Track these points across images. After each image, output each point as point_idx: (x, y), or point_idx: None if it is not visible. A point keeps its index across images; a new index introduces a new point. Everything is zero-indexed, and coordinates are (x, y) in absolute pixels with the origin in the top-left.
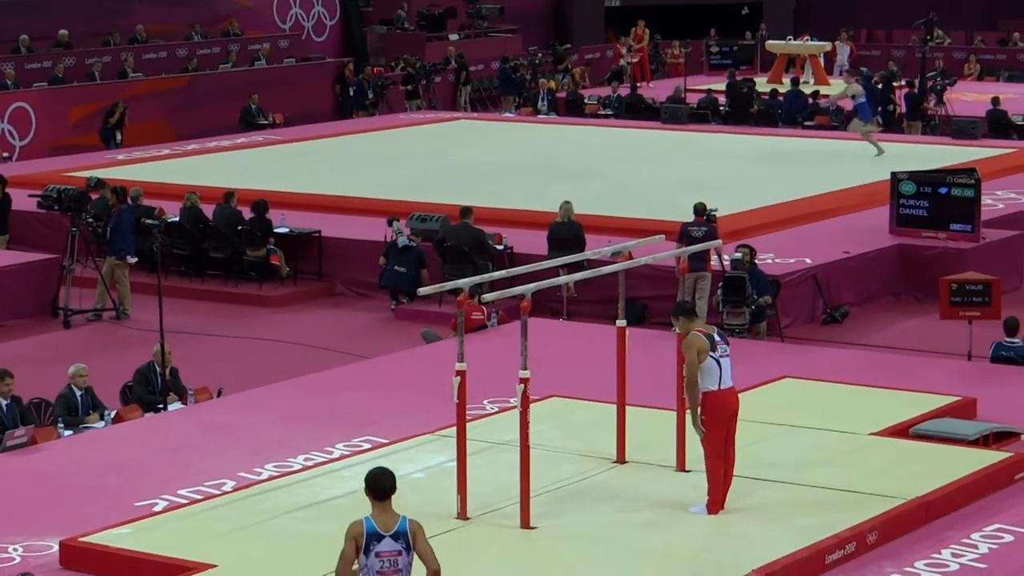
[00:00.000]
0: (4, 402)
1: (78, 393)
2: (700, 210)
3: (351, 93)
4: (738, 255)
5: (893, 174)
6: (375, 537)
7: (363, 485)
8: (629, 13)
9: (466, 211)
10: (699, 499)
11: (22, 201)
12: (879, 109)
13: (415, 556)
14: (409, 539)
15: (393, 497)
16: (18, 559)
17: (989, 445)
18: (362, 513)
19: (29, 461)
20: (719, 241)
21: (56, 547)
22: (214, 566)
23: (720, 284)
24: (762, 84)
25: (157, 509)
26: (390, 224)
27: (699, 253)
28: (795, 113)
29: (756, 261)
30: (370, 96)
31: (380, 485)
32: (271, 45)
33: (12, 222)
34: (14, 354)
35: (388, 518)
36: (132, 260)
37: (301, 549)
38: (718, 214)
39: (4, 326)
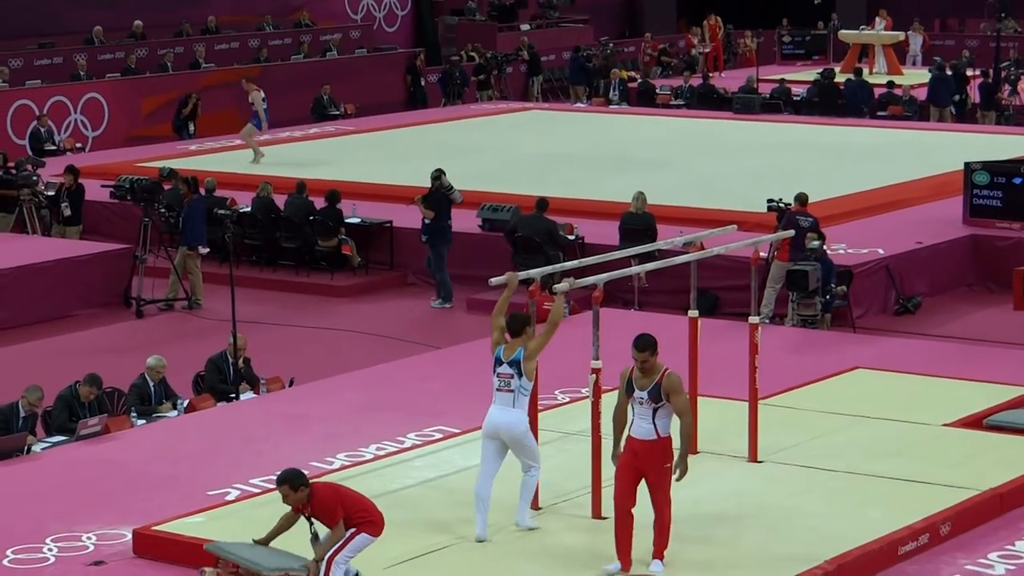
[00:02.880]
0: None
1: (151, 383)
2: (804, 200)
3: (437, 82)
4: (815, 243)
5: (966, 164)
6: (497, 362)
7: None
8: (701, 1)
9: (542, 203)
10: (769, 489)
11: (95, 191)
12: (952, 98)
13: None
14: (521, 366)
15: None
16: (92, 547)
17: None
18: (431, 502)
19: (103, 450)
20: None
21: (129, 536)
22: None
23: (784, 276)
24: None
25: (230, 498)
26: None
27: (801, 242)
28: (859, 103)
29: (827, 250)
30: (458, 82)
31: (511, 326)
32: (342, 36)
33: (85, 212)
34: (87, 343)
35: (511, 350)
36: (204, 250)
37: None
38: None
39: (77, 316)
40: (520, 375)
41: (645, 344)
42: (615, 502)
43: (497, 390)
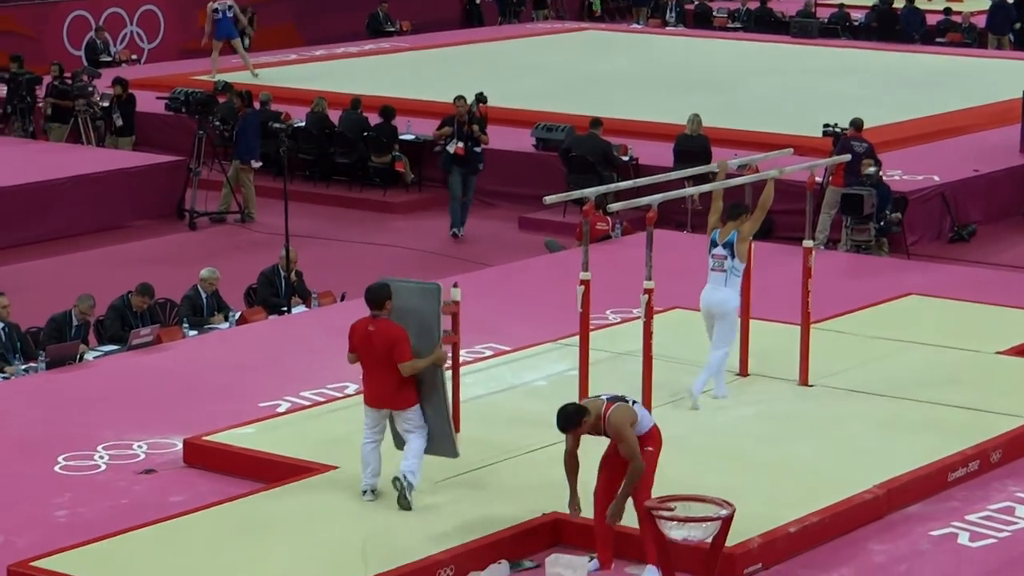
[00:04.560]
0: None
1: (204, 295)
2: (860, 125)
3: (494, 0)
4: (871, 169)
5: None
6: (712, 244)
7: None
8: None
9: (595, 122)
10: (818, 413)
11: (150, 103)
12: (1012, 26)
13: None
14: (734, 248)
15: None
16: (143, 456)
17: None
18: (484, 423)
19: (154, 360)
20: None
21: (180, 445)
22: (335, 468)
23: (839, 201)
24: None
25: (280, 410)
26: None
27: (855, 167)
28: (911, 31)
29: (883, 175)
30: (514, 0)
31: (728, 211)
32: None
33: (139, 124)
34: (140, 254)
35: (725, 233)
36: (256, 164)
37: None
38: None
39: (131, 227)
40: (733, 256)
41: (563, 425)
42: (595, 497)
43: (711, 270)
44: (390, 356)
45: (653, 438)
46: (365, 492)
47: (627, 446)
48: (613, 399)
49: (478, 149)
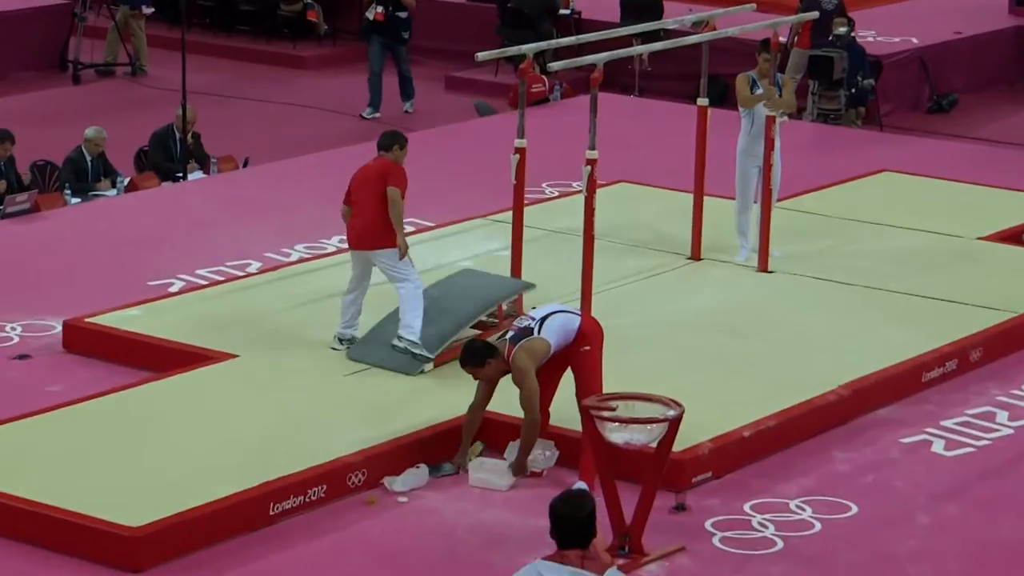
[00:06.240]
0: None
1: (89, 157)
2: None
3: None
4: (842, 29)
5: None
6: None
7: None
8: None
9: None
10: (778, 303)
11: None
12: None
13: None
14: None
15: None
16: (16, 339)
17: None
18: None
19: (31, 230)
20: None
21: (59, 327)
22: (235, 356)
23: (807, 64)
24: None
25: (173, 290)
26: None
27: (824, 26)
28: None
29: (855, 36)
30: None
31: None
32: None
33: None
34: (17, 110)
35: None
36: (148, 10)
37: (332, 340)
38: None
39: (7, 79)
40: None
41: (464, 359)
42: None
43: None
44: (381, 186)
45: (587, 336)
46: (339, 342)
47: (523, 395)
48: (517, 337)
49: (403, 14)
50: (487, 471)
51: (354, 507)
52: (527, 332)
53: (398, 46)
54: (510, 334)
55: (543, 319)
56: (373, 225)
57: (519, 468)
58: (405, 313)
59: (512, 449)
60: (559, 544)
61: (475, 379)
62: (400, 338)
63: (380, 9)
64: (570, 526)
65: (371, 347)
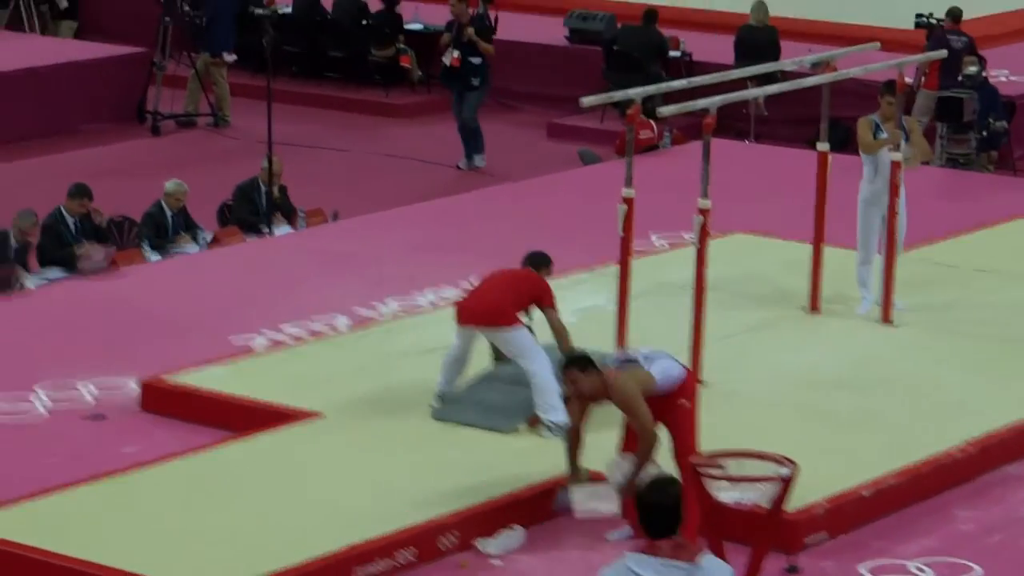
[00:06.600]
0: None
1: (169, 212)
2: (958, 15)
3: None
4: (972, 68)
5: None
6: None
7: None
8: None
9: (651, 14)
10: (902, 357)
11: None
12: None
13: None
14: None
15: None
16: (90, 399)
17: None
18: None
19: (108, 288)
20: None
21: (136, 387)
22: (319, 414)
23: (935, 107)
24: None
25: (256, 347)
26: None
27: (953, 65)
28: None
29: (987, 76)
30: None
31: None
32: None
33: (85, 6)
34: (94, 163)
35: None
36: (231, 58)
37: (423, 398)
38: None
39: (84, 131)
40: None
41: (566, 364)
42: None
43: None
44: (526, 298)
45: (687, 390)
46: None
47: (636, 419)
48: (623, 364)
49: (476, 60)
50: (593, 500)
51: (446, 569)
52: (632, 363)
53: (467, 92)
54: (613, 361)
55: (648, 357)
56: (488, 306)
57: (629, 489)
58: (539, 394)
59: (584, 498)
60: (649, 534)
61: (567, 394)
62: (543, 423)
63: (456, 54)
64: (658, 513)
65: (460, 407)
